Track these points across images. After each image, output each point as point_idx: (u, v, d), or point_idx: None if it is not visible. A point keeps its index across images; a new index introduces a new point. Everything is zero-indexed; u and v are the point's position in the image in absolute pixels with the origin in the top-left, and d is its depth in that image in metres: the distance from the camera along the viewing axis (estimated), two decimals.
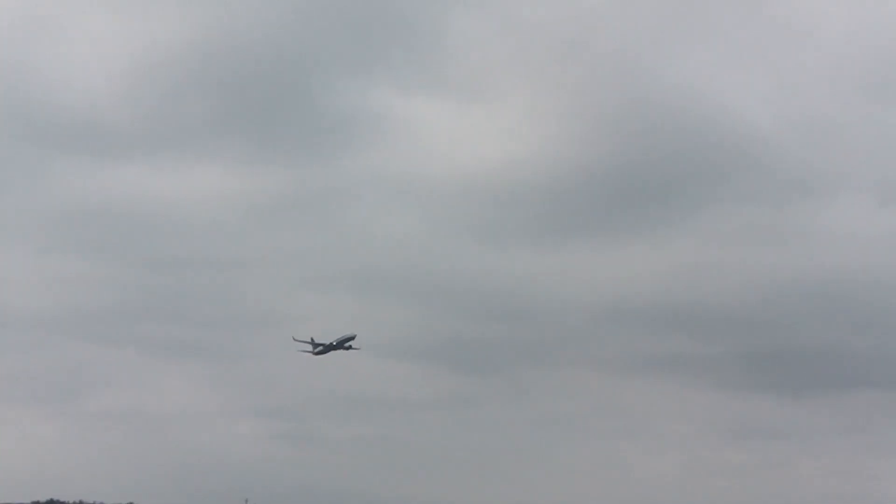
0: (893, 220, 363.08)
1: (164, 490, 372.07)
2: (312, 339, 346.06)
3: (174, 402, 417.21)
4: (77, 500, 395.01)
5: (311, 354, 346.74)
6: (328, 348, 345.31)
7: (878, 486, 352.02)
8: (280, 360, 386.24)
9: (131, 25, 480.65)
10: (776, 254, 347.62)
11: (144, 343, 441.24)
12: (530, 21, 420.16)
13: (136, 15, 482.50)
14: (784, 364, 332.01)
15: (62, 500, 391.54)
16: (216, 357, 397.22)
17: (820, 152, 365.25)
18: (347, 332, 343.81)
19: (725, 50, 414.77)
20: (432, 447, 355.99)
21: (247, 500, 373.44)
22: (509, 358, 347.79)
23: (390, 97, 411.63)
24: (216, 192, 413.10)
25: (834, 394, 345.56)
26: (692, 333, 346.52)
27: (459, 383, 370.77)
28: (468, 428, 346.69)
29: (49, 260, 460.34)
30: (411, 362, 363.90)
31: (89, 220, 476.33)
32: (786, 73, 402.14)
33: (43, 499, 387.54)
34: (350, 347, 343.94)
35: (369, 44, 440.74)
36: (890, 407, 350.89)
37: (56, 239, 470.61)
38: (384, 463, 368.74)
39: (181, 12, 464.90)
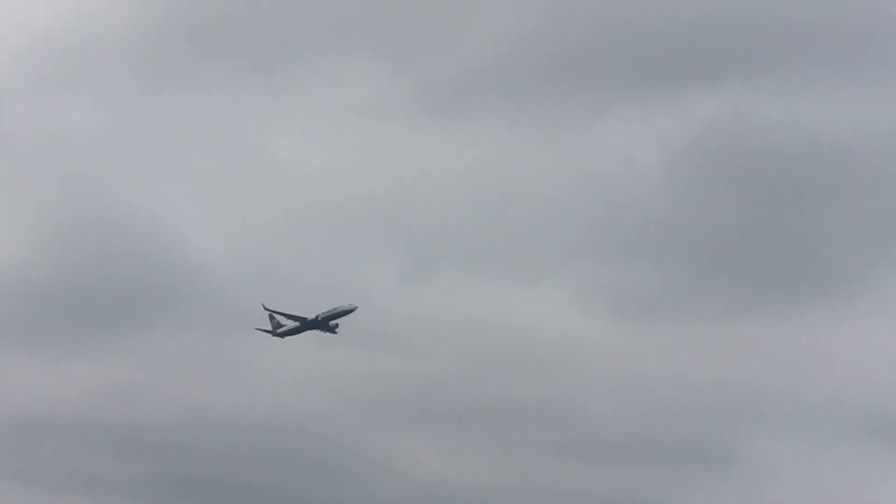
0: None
1: None
2: (272, 315, 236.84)
3: None
4: None
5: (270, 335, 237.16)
6: (306, 326, 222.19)
7: None
8: None
9: None
10: (212, 383, 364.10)
11: None
12: (9, 136, 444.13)
13: None
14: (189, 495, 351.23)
15: None
16: None
17: (269, 288, 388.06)
18: (344, 304, 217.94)
19: (196, 180, 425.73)
20: None
21: None
22: None
23: None
24: None
25: None
26: (119, 455, 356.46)
27: None
28: None
29: None
30: None
31: None
32: (249, 209, 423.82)
33: None
34: (336, 328, 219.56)
35: None
36: None
37: None
38: None
39: None
